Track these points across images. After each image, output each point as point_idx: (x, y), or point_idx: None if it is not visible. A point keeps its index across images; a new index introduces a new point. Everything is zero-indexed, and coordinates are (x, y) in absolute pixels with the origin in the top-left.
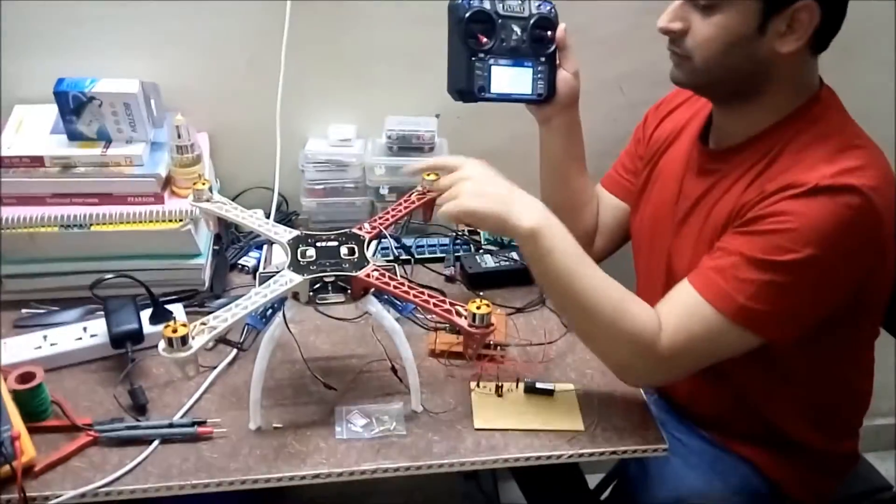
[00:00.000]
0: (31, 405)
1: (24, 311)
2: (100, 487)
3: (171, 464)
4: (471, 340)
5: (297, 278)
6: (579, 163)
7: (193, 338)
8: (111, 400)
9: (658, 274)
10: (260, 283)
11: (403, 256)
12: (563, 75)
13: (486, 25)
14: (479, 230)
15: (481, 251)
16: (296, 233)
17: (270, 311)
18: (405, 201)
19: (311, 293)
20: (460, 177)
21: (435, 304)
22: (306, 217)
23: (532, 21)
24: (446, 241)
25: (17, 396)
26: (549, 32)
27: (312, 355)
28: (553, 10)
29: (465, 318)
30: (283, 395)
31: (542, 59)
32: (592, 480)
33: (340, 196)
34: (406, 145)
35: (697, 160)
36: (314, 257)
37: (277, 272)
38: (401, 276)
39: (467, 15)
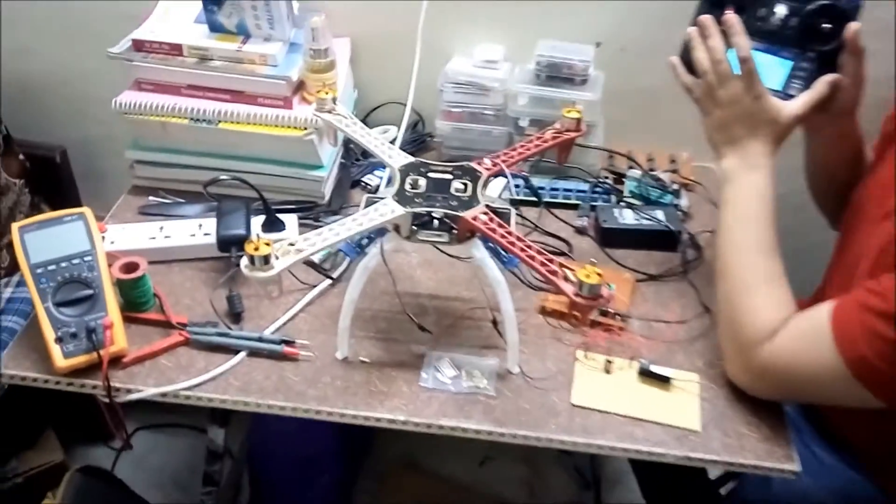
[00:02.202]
0: (133, 296)
1: (150, 198)
2: (180, 390)
3: (252, 378)
4: (575, 309)
5: (399, 210)
6: (854, 168)
7: (277, 258)
8: (213, 297)
9: (848, 263)
10: (365, 207)
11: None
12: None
13: None
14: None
15: (622, 204)
16: (410, 159)
17: (367, 240)
18: (537, 138)
19: (414, 227)
20: (720, 77)
21: (541, 263)
22: (440, 140)
23: (812, 6)
24: (585, 186)
25: (119, 285)
26: (833, 26)
27: (414, 290)
28: (854, 1)
29: (573, 283)
30: (377, 328)
31: (812, 55)
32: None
33: (478, 123)
34: (556, 74)
35: None
36: (423, 189)
37: (383, 198)
38: (518, 223)
39: None
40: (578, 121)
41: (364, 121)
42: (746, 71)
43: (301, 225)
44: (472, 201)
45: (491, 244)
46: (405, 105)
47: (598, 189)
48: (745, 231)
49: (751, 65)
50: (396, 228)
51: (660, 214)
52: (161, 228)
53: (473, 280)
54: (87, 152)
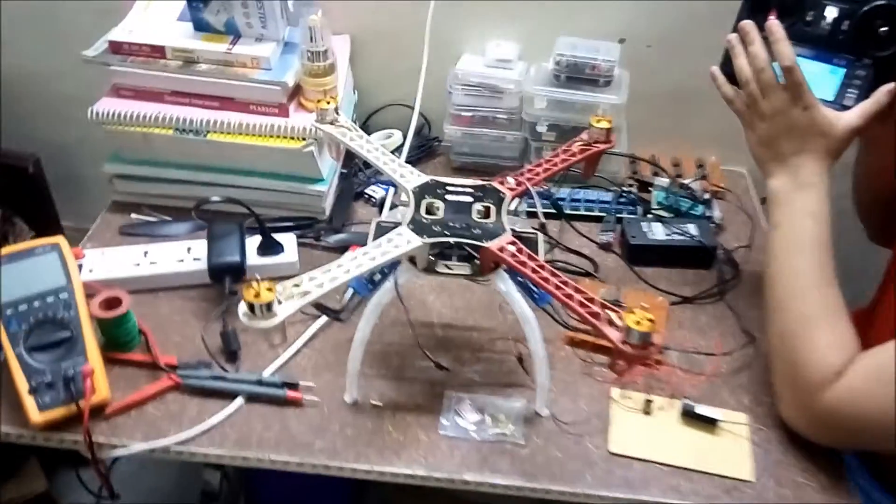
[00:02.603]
0: (115, 335)
1: (133, 216)
2: (171, 445)
3: (251, 428)
4: (621, 358)
5: (416, 241)
6: None
7: (281, 303)
8: (205, 335)
9: None
10: (375, 236)
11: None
12: None
13: None
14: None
15: (650, 216)
16: (425, 179)
17: (379, 275)
18: (563, 152)
19: (431, 258)
20: (764, 86)
21: (581, 304)
22: (448, 145)
23: (867, 8)
24: (608, 197)
25: (100, 324)
26: (891, 29)
27: (428, 319)
28: None
29: (619, 329)
30: (389, 364)
31: (867, 62)
32: None
33: (490, 127)
34: (577, 75)
35: None
36: (441, 214)
37: (395, 226)
38: (544, 241)
39: None
40: (608, 131)
41: (365, 124)
42: (792, 81)
43: (300, 245)
44: (496, 228)
45: (520, 277)
46: (409, 107)
47: (622, 199)
48: (800, 259)
49: (797, 74)
50: (412, 260)
51: (692, 228)
52: (145, 253)
53: (491, 306)
54: (63, 159)
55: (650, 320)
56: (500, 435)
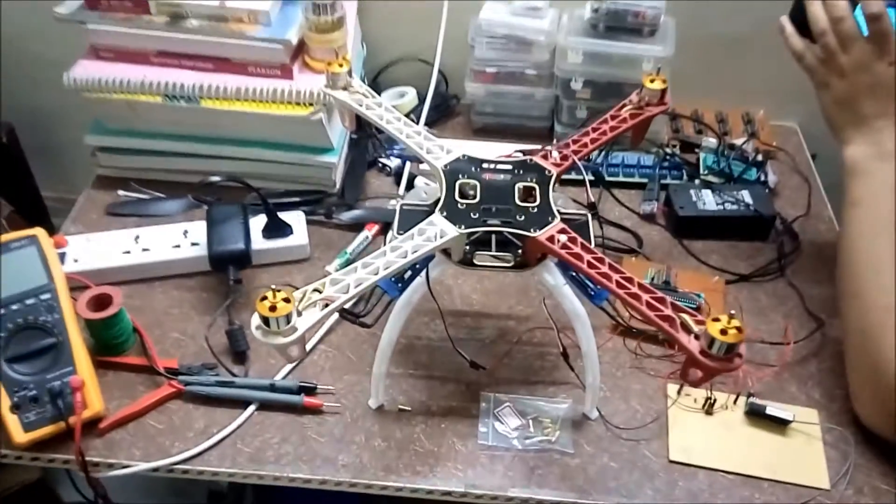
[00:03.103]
0: (107, 337)
1: (120, 192)
2: (175, 463)
3: (265, 441)
4: (698, 368)
5: (452, 231)
6: None
7: (300, 313)
8: (208, 333)
9: None
10: (400, 223)
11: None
12: None
13: None
14: None
15: (698, 182)
16: (455, 154)
17: (409, 271)
18: (612, 118)
19: (468, 247)
20: (843, 38)
21: (649, 305)
22: (469, 103)
23: None
24: (649, 160)
25: (90, 325)
26: None
27: (456, 306)
28: None
29: (698, 336)
30: (418, 361)
31: None
32: None
33: (517, 84)
34: (618, 24)
35: None
36: (477, 197)
37: (423, 208)
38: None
39: None
40: (663, 92)
41: (374, 82)
42: (878, 31)
43: (309, 223)
44: (543, 213)
45: (572, 272)
46: (425, 62)
47: (665, 162)
48: (884, 242)
49: (885, 23)
50: (445, 251)
51: (746, 195)
52: (136, 238)
53: (527, 288)
54: (41, 126)
55: (738, 330)
56: (546, 443)
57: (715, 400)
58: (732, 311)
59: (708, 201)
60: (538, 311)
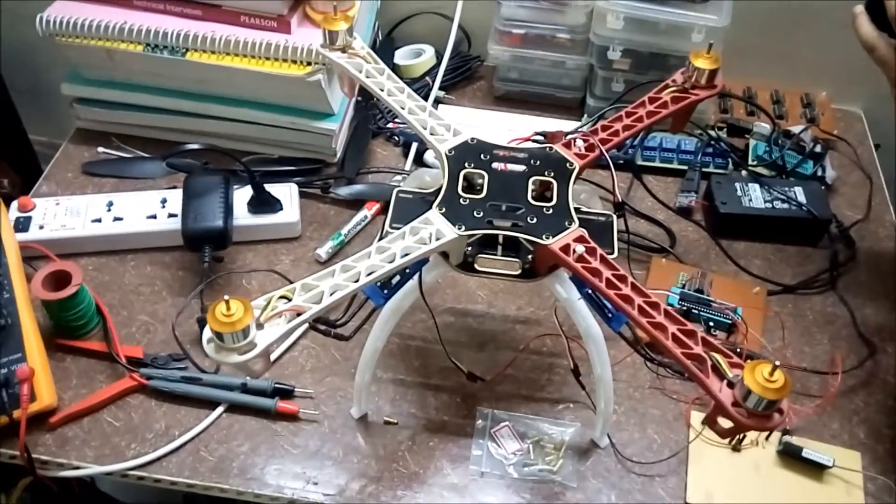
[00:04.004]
0: (65, 319)
1: (100, 150)
2: (130, 469)
3: (232, 449)
4: (728, 418)
5: (449, 233)
6: None
7: (262, 325)
8: (176, 322)
9: None
10: (394, 214)
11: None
12: None
13: None
14: None
15: (745, 175)
16: (464, 138)
17: (399, 277)
18: (651, 101)
19: (469, 248)
20: None
21: (675, 340)
22: (491, 67)
23: None
24: (690, 144)
25: (47, 306)
26: None
27: (458, 304)
28: None
29: (733, 385)
30: (408, 366)
31: None
32: None
33: (547, 49)
34: None
35: None
36: (484, 192)
37: (423, 197)
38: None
39: None
40: (714, 73)
41: (389, 36)
42: None
43: (303, 196)
44: (559, 215)
45: (588, 290)
46: (446, 17)
47: (710, 148)
48: None
49: None
50: (444, 254)
51: (799, 192)
52: (110, 205)
53: (541, 289)
54: (27, 65)
55: (784, 381)
56: (546, 472)
57: (744, 435)
58: (777, 363)
59: (755, 197)
60: (551, 315)
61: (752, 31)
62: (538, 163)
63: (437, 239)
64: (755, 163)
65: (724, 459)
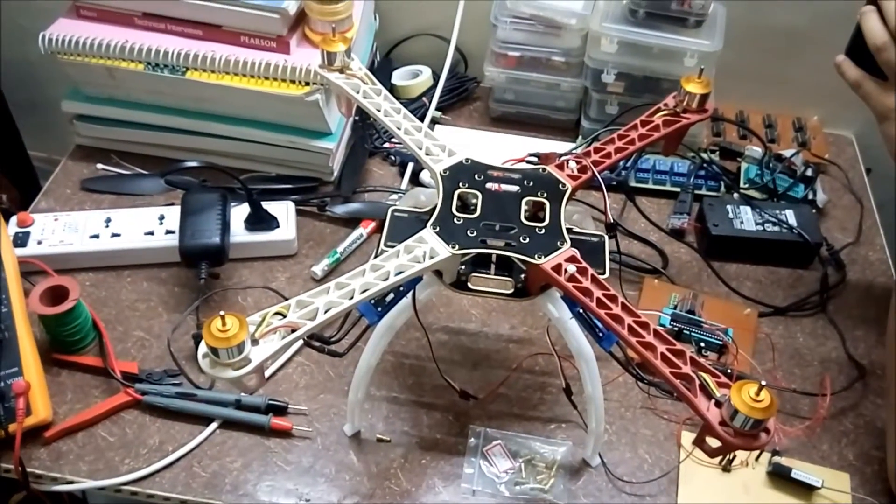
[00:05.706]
0: (62, 334)
1: (99, 166)
2: (124, 483)
3: (224, 465)
4: (716, 437)
5: (443, 252)
6: None
7: (256, 341)
8: (172, 337)
9: None
10: (389, 232)
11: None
12: None
13: None
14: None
15: (737, 197)
16: (458, 158)
17: (393, 295)
18: (643, 125)
19: (463, 267)
20: None
21: (664, 359)
22: (487, 88)
23: None
24: (683, 167)
25: (43, 321)
26: None
27: (451, 322)
28: None
29: (720, 405)
30: (403, 384)
31: None
32: None
33: (542, 71)
34: (660, 11)
35: None
36: (478, 211)
37: (418, 216)
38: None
39: None
40: (705, 97)
41: (387, 57)
42: None
43: (300, 214)
44: (551, 235)
45: (580, 310)
46: (443, 39)
47: (703, 171)
48: None
49: None
50: (438, 272)
51: (790, 215)
52: (108, 221)
53: (535, 308)
54: (27, 82)
55: (770, 402)
56: (538, 491)
57: (734, 456)
58: (764, 382)
59: (746, 220)
60: (544, 335)
61: (744, 55)
62: (531, 183)
63: (431, 257)
64: (747, 186)
65: (714, 480)
